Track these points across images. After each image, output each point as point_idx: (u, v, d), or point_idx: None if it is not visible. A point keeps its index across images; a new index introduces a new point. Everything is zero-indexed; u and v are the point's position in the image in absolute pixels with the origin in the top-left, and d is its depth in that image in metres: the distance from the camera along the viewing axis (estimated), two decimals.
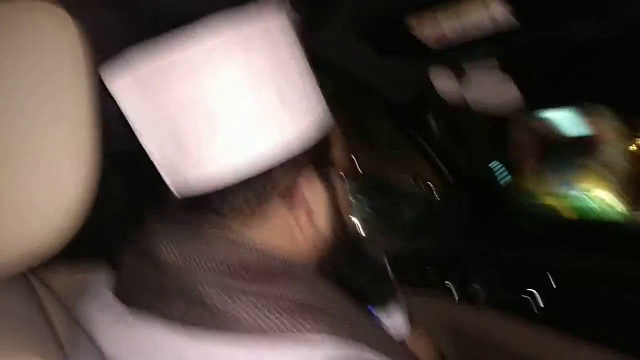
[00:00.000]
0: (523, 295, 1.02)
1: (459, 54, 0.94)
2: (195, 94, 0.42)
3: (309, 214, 0.48)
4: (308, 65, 0.49)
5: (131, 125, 0.45)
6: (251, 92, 0.43)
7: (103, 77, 0.43)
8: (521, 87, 0.91)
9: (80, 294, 0.54)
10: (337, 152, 0.52)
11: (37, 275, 0.72)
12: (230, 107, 0.42)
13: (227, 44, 0.42)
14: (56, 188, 0.36)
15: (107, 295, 0.49)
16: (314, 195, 0.48)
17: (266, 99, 0.43)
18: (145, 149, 0.45)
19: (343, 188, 0.53)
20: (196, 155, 0.43)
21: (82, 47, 0.38)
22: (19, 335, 0.41)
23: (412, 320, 0.62)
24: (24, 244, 0.36)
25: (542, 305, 1.00)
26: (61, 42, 0.37)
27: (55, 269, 0.79)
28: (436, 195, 1.24)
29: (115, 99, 0.44)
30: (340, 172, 0.53)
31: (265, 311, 0.40)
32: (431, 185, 1.24)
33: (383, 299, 0.58)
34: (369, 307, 0.54)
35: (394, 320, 0.59)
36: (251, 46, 0.43)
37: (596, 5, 0.65)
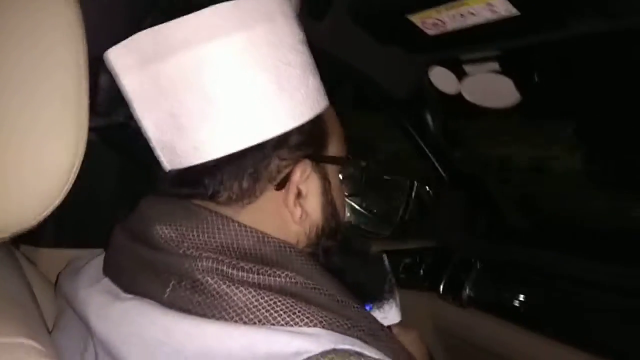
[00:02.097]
0: (512, 296, 1.02)
1: (460, 50, 0.93)
2: (194, 72, 0.42)
3: (299, 196, 0.48)
4: (310, 53, 0.49)
5: (129, 102, 0.45)
6: (248, 74, 0.43)
7: (105, 56, 0.44)
8: (521, 89, 0.90)
9: (68, 272, 0.54)
10: (335, 147, 0.52)
11: (23, 251, 0.71)
12: (227, 87, 0.43)
13: (226, 21, 0.42)
14: (45, 154, 0.37)
15: (98, 274, 0.48)
16: (306, 183, 0.48)
17: (263, 83, 0.43)
18: (140, 124, 0.45)
19: (339, 185, 0.54)
20: (190, 131, 0.44)
21: (80, 22, 0.39)
22: (4, 313, 0.41)
23: (403, 316, 0.62)
24: (7, 208, 0.37)
25: (531, 306, 1.00)
26: (59, 15, 0.38)
27: (41, 245, 0.78)
28: (430, 193, 1.24)
29: (116, 76, 0.44)
30: (338, 170, 0.53)
31: (262, 301, 0.40)
32: (425, 182, 1.24)
33: (378, 294, 0.58)
34: (363, 301, 0.54)
35: (388, 315, 0.59)
36: (250, 25, 0.43)
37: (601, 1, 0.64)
